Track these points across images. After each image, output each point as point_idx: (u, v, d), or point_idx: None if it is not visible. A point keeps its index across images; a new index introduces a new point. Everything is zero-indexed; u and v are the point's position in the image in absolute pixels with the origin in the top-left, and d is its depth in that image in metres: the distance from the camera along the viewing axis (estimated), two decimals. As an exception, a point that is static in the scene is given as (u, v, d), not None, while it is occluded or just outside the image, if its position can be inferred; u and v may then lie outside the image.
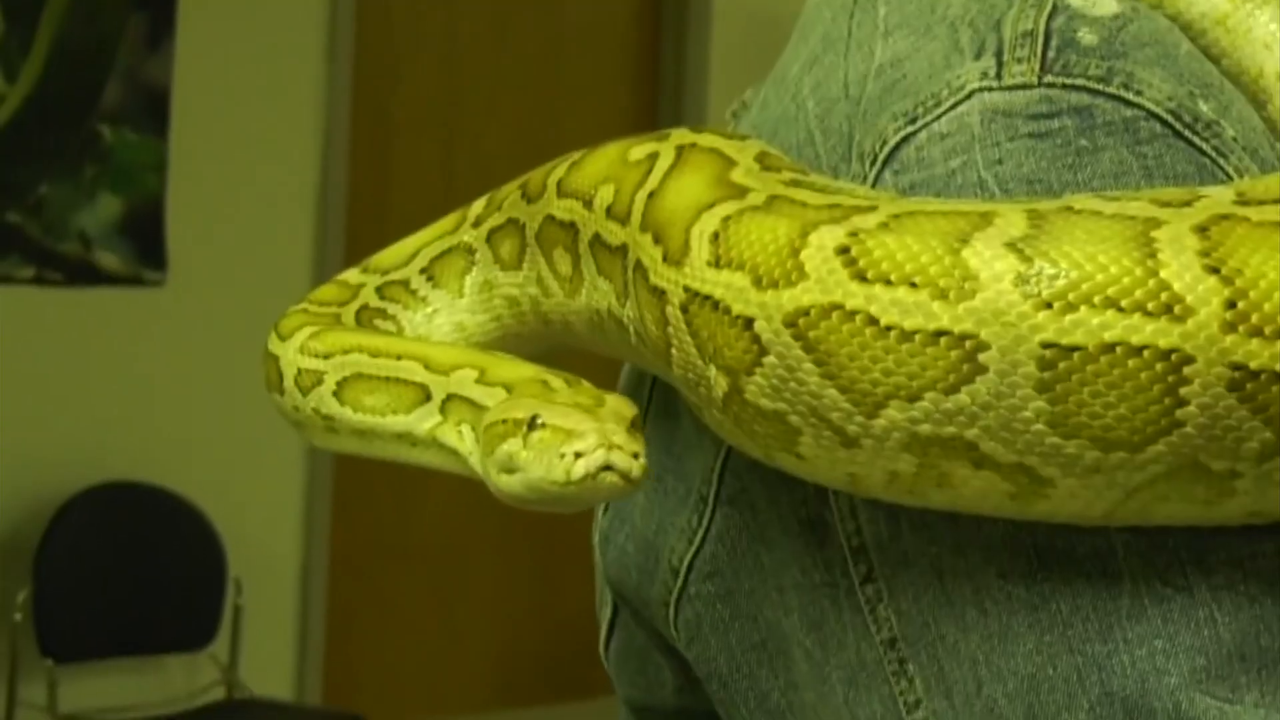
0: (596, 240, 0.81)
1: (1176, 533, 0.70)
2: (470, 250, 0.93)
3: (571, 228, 0.84)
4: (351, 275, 0.96)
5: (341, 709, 4.66)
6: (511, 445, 0.77)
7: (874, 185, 0.77)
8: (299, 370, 0.91)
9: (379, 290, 0.94)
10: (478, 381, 0.84)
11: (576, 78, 5.25)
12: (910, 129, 0.76)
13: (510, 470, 0.77)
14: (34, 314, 4.28)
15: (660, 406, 0.89)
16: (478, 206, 0.94)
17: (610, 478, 0.73)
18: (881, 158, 0.77)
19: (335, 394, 0.89)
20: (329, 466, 4.77)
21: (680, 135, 0.80)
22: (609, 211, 0.80)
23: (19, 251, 4.25)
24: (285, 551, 4.73)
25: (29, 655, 4.12)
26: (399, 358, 0.88)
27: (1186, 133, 0.74)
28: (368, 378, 0.89)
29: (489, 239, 0.92)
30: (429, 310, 0.93)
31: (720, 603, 0.85)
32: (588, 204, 0.82)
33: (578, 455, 0.73)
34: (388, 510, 5.00)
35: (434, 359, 0.87)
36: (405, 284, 0.94)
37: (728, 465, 0.84)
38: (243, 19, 4.55)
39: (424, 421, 0.86)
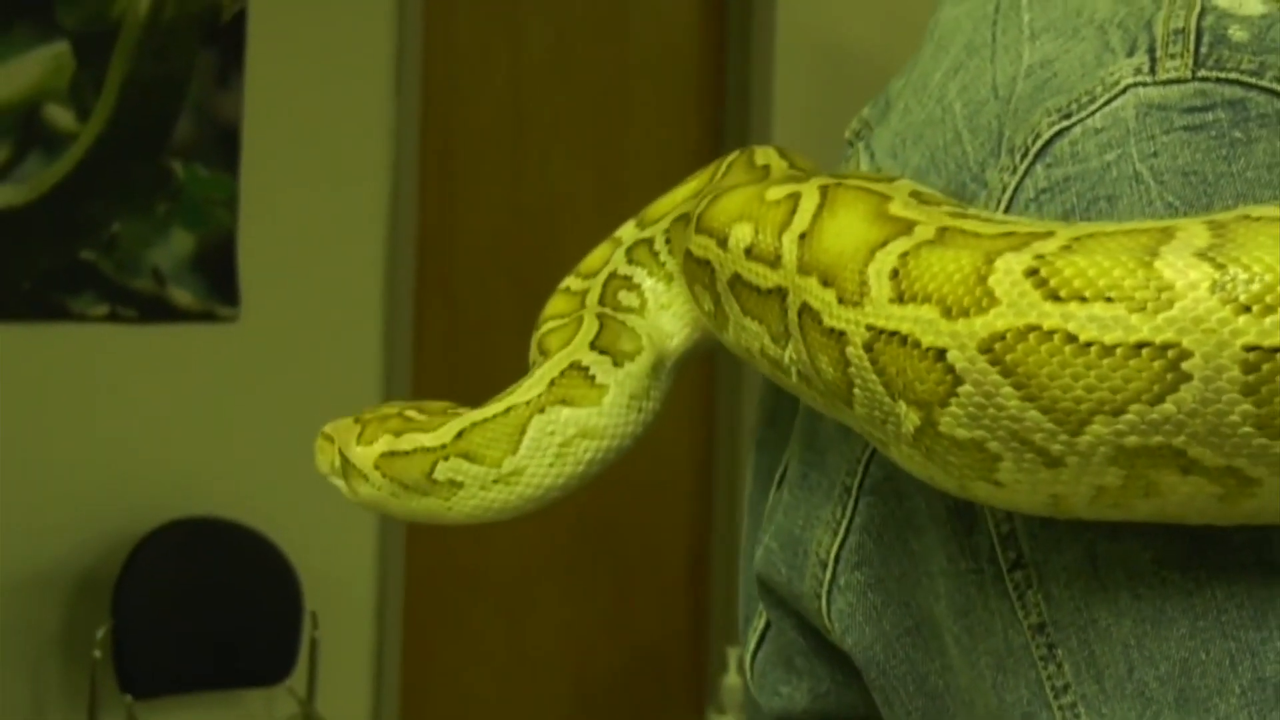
0: (737, 281, 0.82)
1: None
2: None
3: (707, 265, 0.85)
4: (626, 230, 1.01)
5: (419, 740, 4.66)
6: None
7: (1024, 178, 0.78)
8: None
9: (628, 253, 0.98)
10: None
11: (641, 107, 5.27)
12: (1064, 124, 0.77)
13: None
14: (108, 351, 4.32)
15: (808, 407, 0.90)
16: (710, 169, 0.97)
17: None
18: (1034, 151, 0.78)
19: None
20: (402, 498, 4.77)
21: (819, 178, 0.80)
22: (749, 253, 0.80)
23: (93, 289, 4.29)
24: (360, 584, 4.74)
25: (108, 691, 4.14)
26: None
27: None
28: None
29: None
30: (668, 276, 0.98)
31: (871, 591, 0.86)
32: (722, 243, 0.83)
33: None
34: (461, 541, 5.01)
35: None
36: (649, 244, 0.97)
37: (874, 456, 0.85)
38: (311, 54, 4.58)
39: None
